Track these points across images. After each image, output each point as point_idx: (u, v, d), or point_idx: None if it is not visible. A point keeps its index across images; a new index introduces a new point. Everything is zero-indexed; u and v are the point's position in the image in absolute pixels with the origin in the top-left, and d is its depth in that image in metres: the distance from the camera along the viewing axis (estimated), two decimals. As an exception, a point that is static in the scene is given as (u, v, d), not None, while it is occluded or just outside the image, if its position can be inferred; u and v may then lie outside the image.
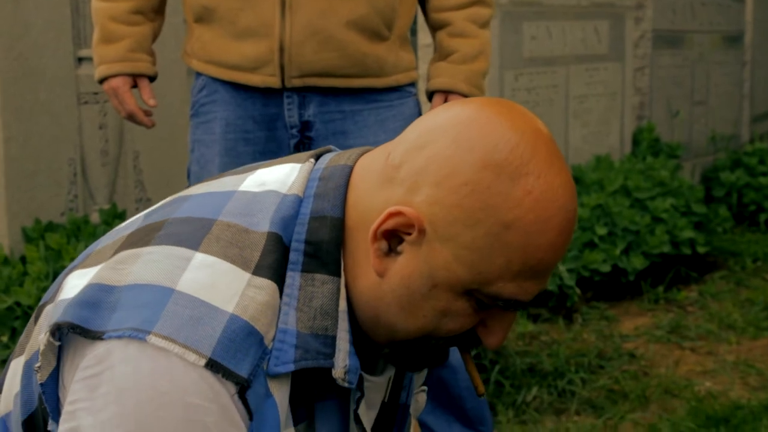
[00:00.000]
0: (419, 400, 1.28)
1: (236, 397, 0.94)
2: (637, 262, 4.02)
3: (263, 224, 1.01)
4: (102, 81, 2.15)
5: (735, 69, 6.33)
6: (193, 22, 2.13)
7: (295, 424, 1.02)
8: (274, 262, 0.99)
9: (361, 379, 1.05)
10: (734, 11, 6.28)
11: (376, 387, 1.13)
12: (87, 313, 0.96)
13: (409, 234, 0.98)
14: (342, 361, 1.01)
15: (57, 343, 0.97)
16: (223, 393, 0.93)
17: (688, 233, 4.28)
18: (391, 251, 1.00)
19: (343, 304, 1.01)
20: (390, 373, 1.15)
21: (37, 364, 0.99)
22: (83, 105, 3.05)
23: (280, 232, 1.01)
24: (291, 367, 0.98)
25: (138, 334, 0.93)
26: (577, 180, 4.51)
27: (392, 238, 0.99)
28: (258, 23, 2.02)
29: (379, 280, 1.01)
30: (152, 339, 0.92)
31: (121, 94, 2.13)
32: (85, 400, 0.94)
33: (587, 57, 4.86)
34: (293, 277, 1.00)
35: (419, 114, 2.15)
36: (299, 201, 1.03)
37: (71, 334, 0.96)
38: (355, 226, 1.02)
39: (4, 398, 1.09)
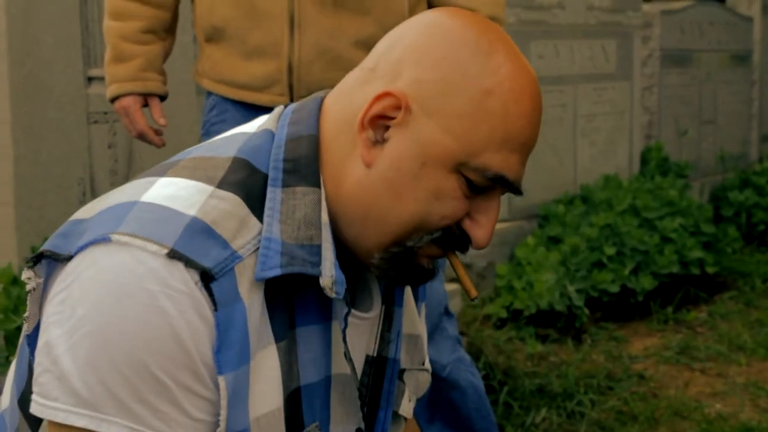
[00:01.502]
0: (420, 378, 1.27)
1: (200, 284, 0.94)
2: (646, 283, 4.01)
3: (229, 152, 1.05)
4: (113, 100, 2.15)
5: (743, 88, 6.33)
6: (204, 42, 2.13)
7: (277, 342, 1.01)
8: (240, 179, 1.02)
9: (347, 295, 1.05)
10: (742, 30, 6.28)
11: (362, 328, 1.13)
12: (59, 242, 1.00)
13: (395, 118, 1.01)
14: (329, 270, 1.01)
15: (40, 279, 0.99)
16: (187, 279, 0.94)
17: (697, 253, 4.26)
18: (377, 142, 1.02)
19: (325, 217, 1.03)
20: (376, 310, 1.15)
21: (26, 314, 1.01)
22: (93, 124, 3.06)
23: (247, 157, 1.04)
24: (278, 272, 0.99)
25: (101, 238, 0.95)
26: (586, 199, 4.51)
27: (378, 127, 1.02)
28: (267, 43, 2.02)
29: (368, 172, 1.02)
30: (115, 237, 0.95)
31: (132, 114, 2.13)
32: (54, 314, 0.96)
33: (595, 76, 4.86)
34: (274, 192, 1.02)
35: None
36: (271, 134, 1.07)
37: (49, 266, 0.99)
38: (332, 137, 1.05)
39: (4, 395, 1.11)
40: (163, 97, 2.19)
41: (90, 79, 3.03)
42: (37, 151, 2.90)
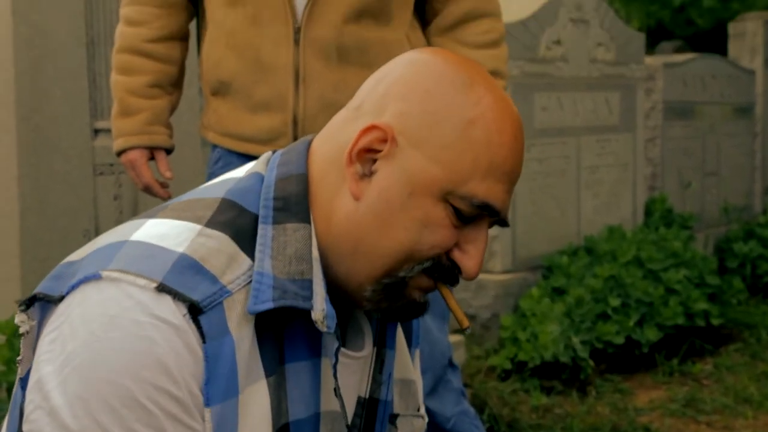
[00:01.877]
0: (415, 424, 1.27)
1: (188, 317, 0.95)
2: (651, 334, 3.99)
3: (218, 194, 1.07)
4: (120, 153, 2.17)
5: (746, 140, 6.35)
6: (210, 96, 2.15)
7: (267, 376, 1.02)
8: (229, 219, 1.04)
9: (337, 330, 1.05)
10: (744, 83, 6.32)
11: (353, 367, 1.13)
12: (51, 284, 1.01)
13: (381, 150, 1.03)
14: (320, 304, 1.02)
15: (33, 322, 1.01)
16: (175, 311, 0.95)
17: (702, 305, 4.25)
18: (365, 175, 1.04)
19: (315, 252, 1.04)
20: (368, 350, 1.15)
21: (18, 357, 1.02)
22: (99, 176, 3.08)
23: (235, 198, 1.06)
24: (270, 305, 1.00)
25: (92, 276, 0.97)
26: (590, 250, 4.51)
27: (365, 160, 1.04)
28: (273, 97, 2.04)
29: (357, 205, 1.04)
30: (105, 273, 0.97)
31: (138, 167, 2.15)
32: (46, 352, 0.97)
33: (598, 128, 4.89)
34: (265, 229, 1.04)
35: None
36: (260, 176, 1.09)
37: (42, 308, 1.00)
38: (320, 175, 1.07)
39: None
40: (169, 151, 2.21)
41: (96, 132, 3.06)
42: (43, 204, 2.91)
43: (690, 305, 4.22)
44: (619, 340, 3.90)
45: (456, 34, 2.14)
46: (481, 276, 4.28)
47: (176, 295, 0.95)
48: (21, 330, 1.01)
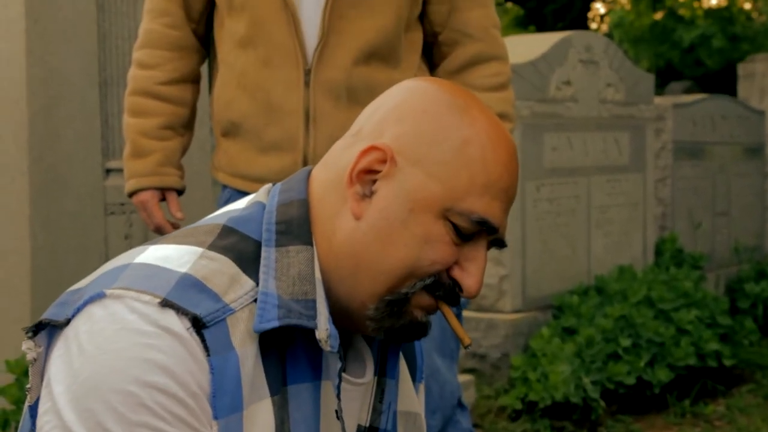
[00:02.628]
0: None
1: (192, 330, 0.97)
2: (663, 375, 3.97)
3: (219, 222, 1.10)
4: (131, 194, 2.19)
5: (756, 180, 6.35)
6: (221, 137, 2.17)
7: (272, 395, 1.03)
8: (230, 243, 1.06)
9: (340, 350, 1.06)
10: (754, 124, 6.33)
11: (354, 393, 1.14)
12: (56, 310, 1.02)
13: (381, 171, 1.06)
14: (324, 324, 1.04)
15: (40, 349, 1.02)
16: (179, 324, 0.97)
17: (714, 345, 4.23)
18: (366, 196, 1.06)
19: (318, 273, 1.06)
20: (369, 377, 1.16)
21: (27, 386, 1.03)
22: (110, 215, 3.10)
23: (236, 226, 1.09)
24: (276, 323, 1.01)
25: (96, 295, 0.99)
26: (600, 290, 4.50)
27: (366, 181, 1.06)
28: (283, 137, 2.06)
29: (357, 224, 1.06)
30: (108, 292, 0.99)
31: (150, 208, 2.16)
32: (56, 373, 0.99)
33: (608, 168, 4.90)
34: (268, 251, 1.06)
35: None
36: (262, 205, 1.11)
37: (48, 334, 1.02)
38: (320, 198, 1.10)
39: None
40: (180, 191, 2.23)
41: (108, 171, 3.08)
42: (55, 243, 2.93)
43: (701, 346, 4.19)
44: (630, 380, 3.88)
45: (463, 77, 2.16)
46: (492, 315, 4.27)
47: (180, 310, 0.97)
48: (28, 357, 1.03)
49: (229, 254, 1.05)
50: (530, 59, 4.49)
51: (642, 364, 3.94)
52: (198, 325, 0.97)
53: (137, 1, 3.09)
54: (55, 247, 2.93)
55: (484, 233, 1.07)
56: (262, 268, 1.05)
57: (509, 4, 16.61)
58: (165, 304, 0.97)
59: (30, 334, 1.03)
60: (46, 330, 1.02)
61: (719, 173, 5.95)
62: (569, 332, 4.13)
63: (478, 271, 1.08)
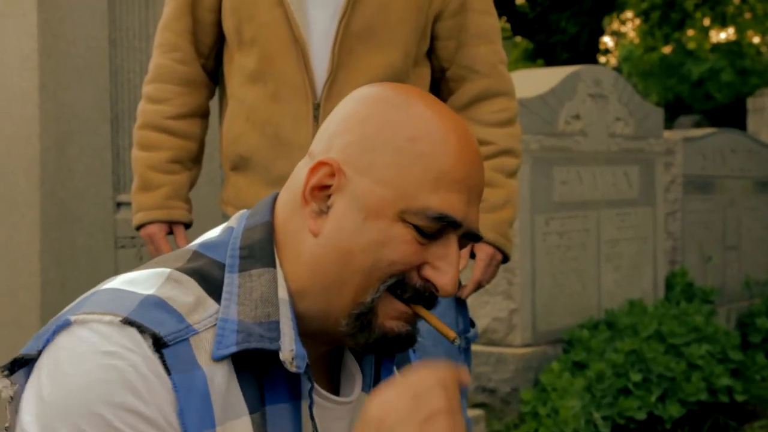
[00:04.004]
0: None
1: (153, 348, 0.97)
2: (674, 410, 3.95)
3: (191, 247, 1.10)
4: (139, 228, 2.20)
5: (766, 214, 6.34)
6: (230, 171, 2.18)
7: (251, 413, 1.03)
8: (197, 266, 1.06)
9: (308, 371, 1.05)
10: (764, 157, 6.33)
11: (340, 413, 1.12)
12: (31, 344, 1.03)
13: (332, 185, 1.05)
14: (288, 344, 1.03)
15: (16, 386, 1.01)
16: (140, 342, 0.97)
17: (726, 380, 4.20)
18: (322, 212, 1.06)
19: (282, 293, 1.05)
20: (355, 395, 1.14)
21: (6, 424, 1.03)
22: (120, 249, 3.10)
23: (205, 251, 1.09)
24: (234, 349, 1.00)
25: (62, 323, 0.99)
26: (610, 324, 4.48)
27: (320, 197, 1.06)
28: (291, 171, 2.07)
29: (317, 242, 1.05)
30: (73, 318, 0.99)
31: (157, 241, 2.17)
32: (26, 404, 0.99)
33: (618, 201, 4.90)
34: (231, 277, 1.06)
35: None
36: (231, 229, 1.11)
37: (25, 371, 1.02)
38: (285, 220, 1.09)
39: None
40: (188, 225, 2.23)
41: (119, 205, 3.09)
42: (65, 278, 2.94)
43: (713, 381, 4.17)
44: (641, 415, 3.86)
45: (470, 113, 2.17)
46: (501, 350, 4.26)
47: (140, 328, 0.97)
48: (3, 395, 1.02)
49: (196, 277, 1.05)
50: (539, 93, 4.50)
51: (653, 399, 3.91)
52: (158, 344, 0.97)
53: (149, 36, 3.11)
54: (65, 281, 2.94)
55: (449, 228, 1.05)
56: (224, 295, 1.04)
57: (518, 38, 16.69)
58: (126, 322, 0.97)
59: (6, 372, 1.02)
60: (24, 368, 1.02)
61: (729, 207, 5.94)
62: (579, 367, 4.11)
63: (450, 268, 1.05)
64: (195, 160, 2.26)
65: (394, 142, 1.05)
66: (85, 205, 2.99)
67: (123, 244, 3.11)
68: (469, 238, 1.08)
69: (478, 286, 2.15)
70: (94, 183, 3.02)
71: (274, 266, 1.07)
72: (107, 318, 0.98)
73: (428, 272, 1.05)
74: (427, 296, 1.07)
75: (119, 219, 3.09)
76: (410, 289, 1.05)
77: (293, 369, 1.02)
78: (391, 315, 1.06)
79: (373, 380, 1.17)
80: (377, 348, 1.08)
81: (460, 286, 2.14)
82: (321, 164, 1.06)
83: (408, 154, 1.04)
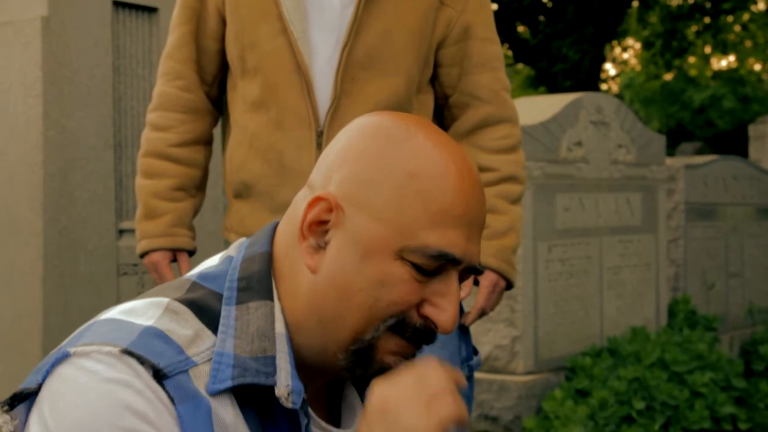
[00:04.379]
0: None
1: (154, 380, 0.96)
2: (677, 438, 3.93)
3: (190, 277, 1.10)
4: (143, 255, 2.20)
5: (769, 241, 6.34)
6: (233, 198, 2.19)
7: None
8: (195, 297, 1.05)
9: (305, 405, 1.04)
10: (766, 184, 6.34)
11: None
12: (31, 377, 1.02)
13: (330, 221, 1.04)
14: (284, 380, 1.02)
15: (16, 421, 1.01)
16: (141, 372, 0.96)
17: (729, 408, 4.19)
18: (320, 247, 1.04)
19: (279, 327, 1.04)
20: (354, 426, 1.13)
21: None
22: (122, 276, 3.10)
23: (204, 282, 1.08)
24: (229, 384, 1.00)
25: (62, 356, 0.99)
26: (613, 352, 4.47)
27: (317, 233, 1.04)
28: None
29: (315, 278, 1.04)
30: (72, 350, 0.98)
31: (161, 269, 2.17)
32: None
33: (620, 228, 4.90)
34: (228, 310, 1.05)
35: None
36: (230, 259, 1.10)
37: (25, 405, 1.01)
38: (284, 253, 1.08)
39: None
40: (191, 252, 2.24)
41: (121, 232, 3.10)
42: (67, 304, 2.93)
43: (716, 409, 4.15)
44: (645, 444, 3.84)
45: (474, 139, 2.17)
46: (504, 377, 4.24)
47: (140, 359, 0.97)
48: (4, 431, 1.02)
49: (193, 308, 1.04)
50: (541, 120, 4.51)
51: (656, 427, 3.90)
52: (158, 375, 0.97)
53: (153, 63, 3.13)
54: (67, 308, 2.94)
55: (449, 265, 1.03)
56: (221, 327, 1.03)
57: (520, 65, 16.76)
58: (126, 352, 0.97)
59: (6, 407, 1.02)
60: (26, 402, 1.02)
61: (732, 234, 5.94)
62: (582, 394, 4.10)
63: (450, 306, 1.04)
64: (198, 187, 2.26)
65: (393, 178, 1.02)
66: (87, 232, 3.00)
67: (125, 271, 3.11)
68: (471, 272, 1.06)
69: (482, 313, 2.15)
70: (97, 210, 3.03)
71: (272, 299, 1.06)
72: (106, 349, 0.97)
73: (428, 310, 1.04)
74: (427, 333, 1.05)
75: (122, 246, 3.09)
76: (410, 328, 1.04)
77: (289, 405, 1.02)
78: (390, 350, 1.05)
79: None
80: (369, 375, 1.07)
81: (463, 313, 2.14)
82: (318, 199, 1.04)
83: (407, 191, 1.02)
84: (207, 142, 2.27)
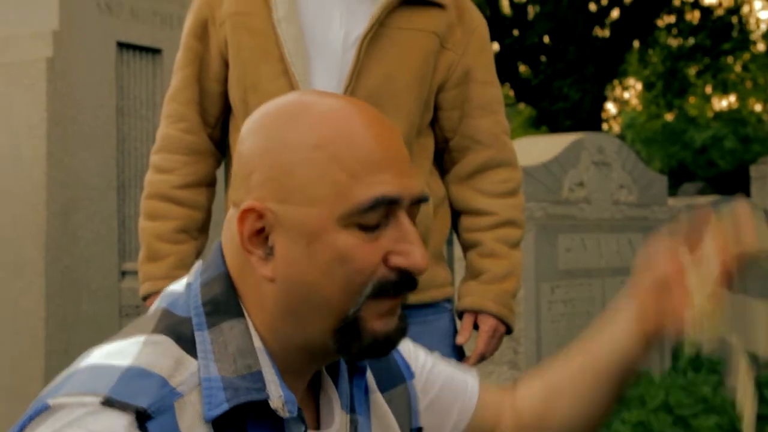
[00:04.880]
0: None
1: (135, 425, 0.93)
2: (682, 482, 3.89)
3: (161, 305, 1.08)
4: (146, 298, 2.19)
5: (772, 282, 6.32)
6: None
7: None
8: (169, 324, 1.03)
9: (300, 413, 1.02)
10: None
11: None
12: (12, 429, 0.99)
13: (265, 227, 1.02)
14: (276, 391, 1.01)
15: None
16: (122, 424, 0.93)
17: (734, 452, 4.15)
18: (269, 254, 1.02)
19: (257, 342, 1.03)
20: (337, 424, 1.12)
21: None
22: (124, 317, 3.10)
23: (173, 308, 1.06)
24: (226, 407, 0.98)
25: (40, 407, 0.96)
26: (617, 394, 4.44)
27: (259, 242, 1.03)
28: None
29: (275, 286, 1.02)
30: (50, 401, 0.95)
31: None
32: None
33: (623, 269, 4.89)
34: (202, 335, 1.03)
35: (454, 330, 2.16)
36: (189, 285, 1.09)
37: None
38: (238, 270, 1.06)
39: None
40: None
41: (123, 273, 3.09)
42: (69, 345, 2.92)
43: (721, 452, 4.12)
44: (649, 488, 3.80)
45: (474, 183, 2.17)
46: (507, 420, 4.21)
47: (122, 406, 0.94)
48: None
49: (172, 336, 1.02)
50: (543, 161, 4.52)
51: (661, 470, 3.86)
52: (142, 418, 0.95)
53: (156, 104, 3.14)
54: (69, 349, 2.93)
55: (392, 208, 1.01)
56: (199, 354, 1.02)
57: (521, 105, 16.84)
58: (106, 402, 0.94)
59: None
60: None
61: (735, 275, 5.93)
62: (586, 437, 4.06)
63: (413, 246, 1.02)
64: (201, 229, 2.26)
65: (302, 158, 1.01)
66: (90, 272, 2.99)
67: (127, 312, 3.10)
68: (419, 201, 1.04)
69: (482, 358, 2.14)
70: (100, 251, 3.02)
71: (243, 316, 1.05)
72: (87, 399, 0.95)
73: (395, 260, 1.02)
74: (407, 281, 1.03)
75: (124, 288, 3.08)
76: (389, 285, 1.02)
77: (285, 414, 1.01)
78: (377, 315, 1.04)
79: (349, 398, 1.16)
80: (371, 353, 1.06)
81: (463, 357, 2.13)
82: (245, 212, 1.02)
83: (319, 162, 1.00)
84: (210, 183, 2.27)
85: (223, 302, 1.05)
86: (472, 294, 2.15)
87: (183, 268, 2.20)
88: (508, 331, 2.16)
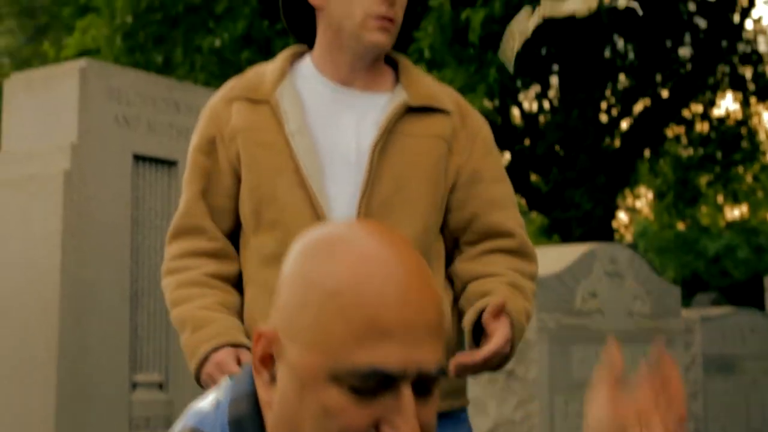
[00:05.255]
0: None
1: None
2: None
3: (189, 423, 1.07)
4: (199, 368, 2.04)
5: (790, 395, 6.22)
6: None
7: None
8: None
9: None
10: (784, 337, 6.27)
11: None
12: None
13: (273, 354, 1.01)
14: None
15: None
16: None
17: None
18: (273, 380, 1.01)
19: None
20: None
21: None
22: (134, 430, 3.06)
23: (199, 425, 1.05)
24: None
25: None
26: None
27: (268, 367, 1.02)
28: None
29: (272, 414, 1.01)
30: None
31: (228, 368, 1.92)
32: None
33: (638, 381, 4.82)
34: None
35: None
36: (218, 401, 1.07)
37: None
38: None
39: None
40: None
41: (135, 385, 3.07)
42: (77, 457, 2.89)
43: None
44: None
45: (490, 258, 2.13)
46: None
47: None
48: None
49: None
50: (555, 271, 4.52)
51: None
52: None
53: (171, 215, 3.16)
54: (76, 461, 2.89)
55: (395, 381, 0.95)
56: None
57: (534, 214, 16.91)
58: None
59: None
60: None
61: (752, 389, 5.84)
62: None
63: (404, 425, 0.94)
64: (239, 316, 2.14)
65: (316, 300, 0.96)
66: (100, 383, 2.98)
67: (137, 424, 3.07)
68: (428, 381, 0.97)
69: (491, 358, 1.98)
70: (111, 361, 3.01)
71: None
72: None
73: (386, 429, 0.95)
74: None
75: (135, 400, 3.06)
76: None
77: None
78: None
79: None
80: None
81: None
82: (261, 335, 1.01)
83: (328, 310, 0.95)
84: (236, 284, 2.16)
85: (249, 422, 1.04)
86: (500, 294, 1.97)
87: (235, 329, 2.01)
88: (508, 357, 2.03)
